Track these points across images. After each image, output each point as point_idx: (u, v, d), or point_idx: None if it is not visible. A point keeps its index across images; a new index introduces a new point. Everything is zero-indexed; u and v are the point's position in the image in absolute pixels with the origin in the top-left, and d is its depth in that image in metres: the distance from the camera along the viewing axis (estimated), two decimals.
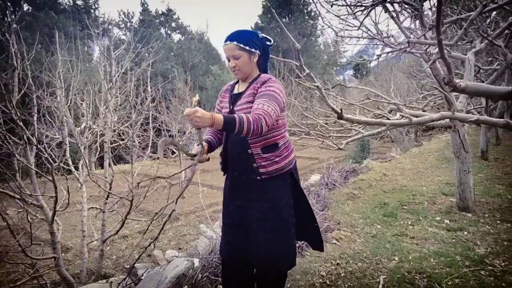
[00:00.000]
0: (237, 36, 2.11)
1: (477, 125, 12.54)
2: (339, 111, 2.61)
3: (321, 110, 7.53)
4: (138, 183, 4.69)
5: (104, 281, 3.31)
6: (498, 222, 4.46)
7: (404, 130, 17.03)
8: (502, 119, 2.52)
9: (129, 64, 7.97)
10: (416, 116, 4.93)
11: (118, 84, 6.48)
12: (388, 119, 5.11)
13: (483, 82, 6.14)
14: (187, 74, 21.29)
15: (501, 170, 7.52)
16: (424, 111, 6.17)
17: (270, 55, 2.34)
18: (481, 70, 6.74)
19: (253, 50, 2.14)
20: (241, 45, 2.10)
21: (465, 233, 4.16)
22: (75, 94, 8.96)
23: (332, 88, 5.51)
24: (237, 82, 2.34)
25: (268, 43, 2.25)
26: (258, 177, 2.14)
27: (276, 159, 2.15)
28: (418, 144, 14.74)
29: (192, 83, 19.96)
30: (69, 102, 8.01)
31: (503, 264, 3.36)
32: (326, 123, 6.27)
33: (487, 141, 8.85)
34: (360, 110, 6.10)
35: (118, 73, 6.28)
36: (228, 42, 2.11)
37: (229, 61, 2.17)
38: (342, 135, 5.47)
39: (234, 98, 2.23)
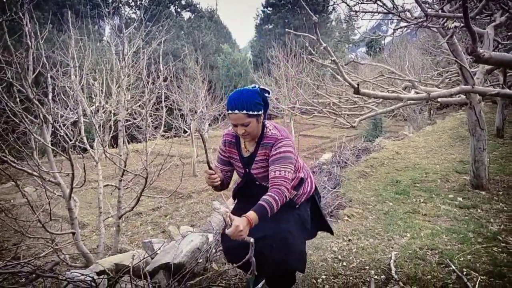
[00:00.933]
0: (245, 104, 2.09)
1: (493, 103, 12.27)
2: (356, 86, 2.58)
3: (334, 88, 7.44)
4: (152, 161, 4.76)
5: (123, 252, 3.41)
6: None
7: (418, 108, 16.79)
8: None
9: (140, 42, 7.96)
10: (430, 93, 4.86)
11: (130, 62, 6.47)
12: (402, 96, 5.05)
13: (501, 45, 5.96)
14: (197, 53, 21.12)
15: None
16: (439, 88, 6.05)
17: (286, 29, 2.36)
18: (499, 45, 6.54)
19: (260, 113, 2.16)
20: (250, 113, 2.10)
21: (478, 210, 4.14)
22: (87, 74, 9.01)
23: (345, 65, 5.42)
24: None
25: (266, 94, 2.27)
26: (295, 205, 2.37)
27: (305, 190, 2.41)
28: (432, 123, 14.53)
29: (203, 62, 19.84)
30: (82, 81, 8.06)
31: None
32: (339, 101, 6.21)
33: (503, 118, 8.68)
34: (374, 87, 6.01)
35: (130, 51, 6.27)
36: (237, 111, 2.09)
37: (235, 126, 2.16)
38: (355, 113, 5.41)
39: (247, 160, 2.31)
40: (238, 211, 2.25)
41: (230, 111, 2.12)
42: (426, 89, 5.06)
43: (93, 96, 10.62)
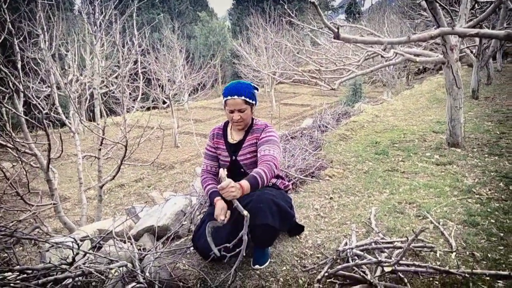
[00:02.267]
0: (243, 91, 2.31)
1: (469, 66, 12.48)
2: (336, 30, 2.54)
3: (314, 51, 7.38)
4: (129, 130, 4.68)
5: (107, 219, 3.40)
6: (486, 155, 4.58)
7: (396, 73, 16.92)
8: (503, 31, 2.49)
9: (113, 11, 7.63)
10: (409, 53, 4.88)
11: (103, 27, 6.22)
12: (383, 56, 5.06)
13: (477, 17, 6.00)
14: (174, 22, 20.48)
15: (491, 108, 7.60)
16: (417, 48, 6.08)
17: None
18: (476, 5, 6.57)
19: (254, 102, 2.38)
20: (248, 99, 2.32)
21: (454, 166, 4.27)
22: (59, 45, 8.63)
23: (324, 27, 5.34)
24: (225, 127, 2.53)
25: (255, 91, 2.43)
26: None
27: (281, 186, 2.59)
28: (410, 87, 14.71)
29: (179, 31, 19.28)
30: (53, 51, 7.72)
31: (489, 192, 3.49)
32: (320, 67, 6.18)
33: (478, 80, 8.86)
34: (354, 49, 5.99)
35: (103, 14, 6.01)
36: (236, 97, 2.29)
37: (231, 113, 2.33)
38: (335, 76, 5.41)
39: (234, 148, 2.45)
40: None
41: (229, 97, 2.30)
42: (405, 49, 5.08)
43: (66, 68, 10.24)
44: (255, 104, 2.42)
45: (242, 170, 2.44)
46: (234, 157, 2.45)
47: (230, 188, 1.90)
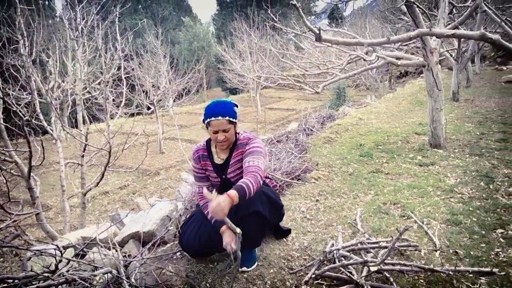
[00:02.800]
0: (227, 111, 2.26)
1: (449, 69, 12.77)
2: (317, 32, 2.57)
3: (298, 55, 7.44)
4: (113, 136, 4.62)
5: (91, 226, 3.33)
6: (467, 156, 4.68)
7: (379, 77, 17.18)
8: (478, 32, 2.57)
9: (95, 17, 7.55)
10: (390, 57, 4.97)
11: (85, 32, 6.14)
12: (365, 60, 5.14)
13: (455, 21, 6.16)
14: (157, 27, 20.38)
15: (471, 110, 7.79)
16: (398, 51, 6.20)
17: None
18: (454, 10, 6.75)
19: (236, 121, 2.34)
20: (231, 119, 2.28)
21: (437, 167, 4.36)
22: (40, 51, 8.49)
23: (307, 31, 5.40)
24: (208, 147, 2.48)
25: (236, 108, 2.38)
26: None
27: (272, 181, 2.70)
28: (392, 90, 14.96)
29: (163, 37, 19.19)
30: (33, 57, 7.56)
31: (470, 191, 3.57)
32: (304, 72, 6.22)
33: (458, 83, 9.07)
34: (337, 53, 6.07)
35: (84, 20, 5.94)
36: (220, 118, 2.24)
37: (215, 133, 2.29)
38: (319, 80, 5.47)
39: (222, 167, 2.44)
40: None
41: (213, 118, 2.25)
42: (386, 52, 5.17)
43: (47, 75, 10.06)
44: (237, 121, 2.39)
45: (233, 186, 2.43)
46: (224, 176, 2.45)
47: (220, 208, 1.88)
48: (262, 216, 2.28)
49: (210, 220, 2.36)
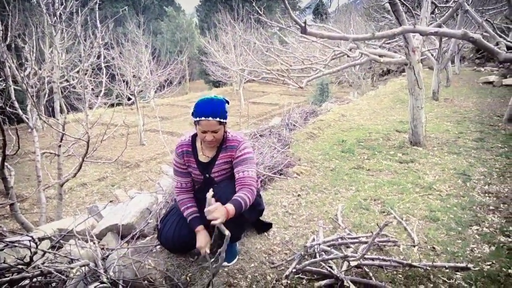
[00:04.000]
0: (218, 111, 2.17)
1: (430, 69, 13.02)
2: (303, 25, 2.55)
3: (282, 50, 7.43)
4: (92, 126, 4.51)
5: (68, 218, 3.25)
6: (446, 154, 4.78)
7: (362, 74, 17.36)
8: (460, 30, 2.60)
9: (74, 2, 7.31)
10: (374, 54, 5.01)
11: (63, 17, 5.94)
12: (349, 56, 5.16)
13: (436, 20, 6.27)
14: (139, 16, 19.96)
15: (450, 109, 7.96)
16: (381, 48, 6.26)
17: None
18: (436, 10, 6.86)
19: (226, 121, 2.25)
20: (221, 120, 2.19)
21: (416, 164, 4.43)
22: (15, 36, 8.18)
23: (292, 26, 5.39)
24: (192, 141, 2.39)
25: (227, 104, 2.30)
26: None
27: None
28: (375, 88, 15.15)
29: (145, 26, 18.83)
30: (9, 42, 7.28)
31: (448, 189, 3.65)
32: (290, 65, 6.21)
33: (438, 82, 9.25)
34: (321, 49, 6.08)
35: (63, 5, 5.73)
36: (210, 119, 2.15)
37: (203, 133, 2.21)
38: (303, 75, 5.47)
39: (206, 165, 2.36)
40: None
41: (203, 118, 2.16)
42: (370, 50, 5.21)
43: (23, 61, 9.72)
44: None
45: (215, 186, 2.37)
46: (207, 175, 2.38)
47: (216, 213, 1.89)
48: (240, 215, 2.25)
49: (186, 217, 2.33)
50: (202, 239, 2.22)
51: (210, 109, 2.16)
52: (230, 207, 2.00)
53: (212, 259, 2.09)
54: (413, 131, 5.15)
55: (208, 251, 2.17)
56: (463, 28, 7.92)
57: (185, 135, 2.46)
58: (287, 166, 4.28)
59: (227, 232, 1.85)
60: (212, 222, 1.88)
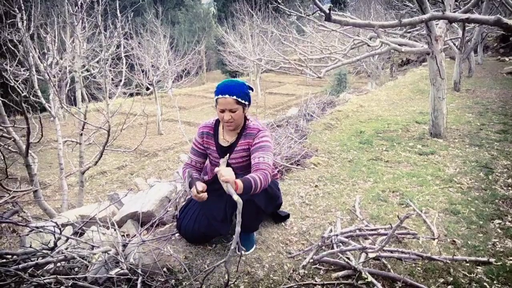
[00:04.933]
0: (236, 90, 2.19)
1: (451, 59, 12.68)
2: (327, 11, 2.50)
3: (300, 39, 7.34)
4: (112, 115, 4.58)
5: (89, 205, 3.33)
6: (467, 146, 4.68)
7: (380, 64, 17.05)
8: (493, 16, 2.51)
9: None
10: (394, 43, 4.91)
11: (84, 8, 6.01)
12: (369, 45, 5.07)
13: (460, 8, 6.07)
14: (157, 6, 20.03)
15: (472, 100, 7.76)
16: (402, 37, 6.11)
17: None
18: None
19: (246, 103, 2.26)
20: (240, 100, 2.20)
21: (436, 156, 4.35)
22: (38, 26, 8.33)
23: (312, 14, 5.31)
24: (216, 126, 2.40)
25: (250, 91, 2.33)
26: None
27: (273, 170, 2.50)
28: (394, 78, 14.86)
29: (163, 16, 18.90)
30: (32, 32, 7.41)
31: (469, 181, 3.58)
32: (308, 55, 6.15)
33: (460, 72, 9.00)
34: (340, 38, 5.98)
35: None
36: (227, 96, 2.18)
37: (221, 112, 2.22)
38: (321, 64, 5.40)
39: (225, 150, 2.36)
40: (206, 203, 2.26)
41: (220, 95, 2.19)
42: (390, 39, 5.10)
43: (46, 51, 9.91)
44: (249, 104, 2.31)
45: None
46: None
47: (226, 175, 1.88)
48: (256, 206, 2.25)
49: (186, 179, 2.28)
50: (199, 185, 2.14)
51: (228, 87, 2.21)
52: (239, 181, 1.97)
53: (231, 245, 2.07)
54: (434, 122, 5.05)
55: (200, 189, 2.10)
56: (488, 15, 7.67)
57: (210, 119, 2.49)
58: (304, 157, 4.27)
59: (236, 197, 1.83)
60: (222, 179, 1.88)
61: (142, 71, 13.16)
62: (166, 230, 2.67)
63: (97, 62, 8.89)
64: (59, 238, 1.90)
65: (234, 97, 2.19)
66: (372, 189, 3.46)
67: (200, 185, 2.14)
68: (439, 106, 4.93)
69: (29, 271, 1.70)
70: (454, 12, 4.99)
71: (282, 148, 4.28)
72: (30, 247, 1.81)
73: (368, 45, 5.04)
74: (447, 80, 5.44)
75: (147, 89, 13.63)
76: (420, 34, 8.77)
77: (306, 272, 2.21)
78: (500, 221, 2.79)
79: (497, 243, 2.50)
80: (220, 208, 2.33)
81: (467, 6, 4.46)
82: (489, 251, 2.40)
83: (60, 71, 8.54)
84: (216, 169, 1.92)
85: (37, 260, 1.78)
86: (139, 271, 2.08)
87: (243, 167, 2.39)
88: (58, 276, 1.72)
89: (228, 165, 2.37)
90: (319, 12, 6.02)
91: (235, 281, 2.14)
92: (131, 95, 12.42)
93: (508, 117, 6.11)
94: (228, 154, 1.99)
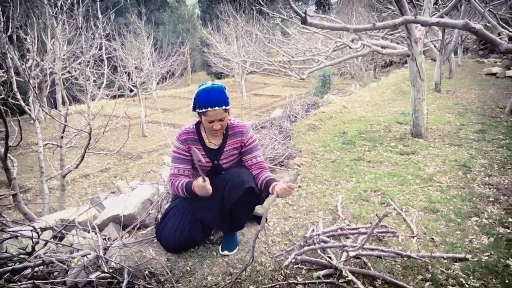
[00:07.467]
0: (222, 99, 2.17)
1: (432, 60, 12.93)
2: (303, 15, 2.53)
3: (284, 41, 7.39)
4: (94, 117, 4.52)
5: (70, 208, 3.28)
6: (447, 146, 4.78)
7: (364, 66, 17.27)
8: (461, 20, 2.59)
9: None
10: (376, 45, 4.98)
11: (65, 8, 5.91)
12: (351, 47, 5.14)
13: (440, 11, 6.20)
14: (141, 7, 19.86)
15: (452, 101, 7.93)
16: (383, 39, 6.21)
17: None
18: (439, 0, 6.79)
19: (229, 107, 2.25)
20: (227, 108, 2.21)
21: (417, 156, 4.44)
22: (17, 27, 8.16)
23: (292, 18, 5.35)
24: (197, 129, 2.36)
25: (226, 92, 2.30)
26: None
27: None
28: (377, 80, 15.07)
29: (146, 18, 18.74)
30: (10, 33, 7.24)
31: (448, 180, 3.66)
32: (292, 57, 6.19)
33: (441, 74, 9.19)
34: (323, 40, 6.04)
35: None
36: (217, 108, 2.15)
37: (211, 123, 2.20)
38: (305, 66, 5.45)
39: (214, 153, 2.37)
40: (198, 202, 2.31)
41: (210, 108, 2.14)
42: (372, 41, 5.18)
43: (25, 53, 9.71)
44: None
45: (223, 172, 2.41)
46: (216, 162, 2.37)
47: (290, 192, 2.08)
48: (255, 193, 2.28)
49: (183, 187, 2.23)
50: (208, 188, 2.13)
51: (215, 98, 2.14)
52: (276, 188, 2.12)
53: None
54: (415, 123, 5.14)
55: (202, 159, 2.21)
56: (466, 18, 7.87)
57: (188, 124, 2.41)
58: (288, 158, 4.29)
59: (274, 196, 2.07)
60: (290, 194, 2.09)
61: (126, 73, 13.02)
62: (148, 232, 2.65)
63: (79, 63, 8.75)
64: (37, 243, 1.86)
65: (223, 107, 2.16)
66: (354, 189, 3.50)
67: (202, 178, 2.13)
68: (420, 107, 5.03)
69: (5, 276, 1.66)
70: (433, 15, 5.11)
71: (266, 149, 4.29)
72: (6, 252, 1.77)
73: (350, 47, 5.11)
74: (428, 81, 5.55)
75: (131, 91, 13.49)
76: (401, 36, 8.94)
77: (288, 272, 2.23)
78: (477, 219, 2.87)
79: (474, 239, 2.56)
80: (214, 203, 2.31)
81: (445, 10, 4.57)
82: (466, 247, 2.46)
83: (40, 72, 8.38)
84: (288, 183, 2.02)
85: (14, 265, 1.75)
86: (125, 273, 2.06)
87: (233, 164, 2.44)
88: (36, 281, 1.69)
89: (219, 166, 2.39)
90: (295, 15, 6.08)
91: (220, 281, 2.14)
92: (114, 97, 12.26)
93: (487, 117, 6.27)
94: (299, 169, 2.10)
